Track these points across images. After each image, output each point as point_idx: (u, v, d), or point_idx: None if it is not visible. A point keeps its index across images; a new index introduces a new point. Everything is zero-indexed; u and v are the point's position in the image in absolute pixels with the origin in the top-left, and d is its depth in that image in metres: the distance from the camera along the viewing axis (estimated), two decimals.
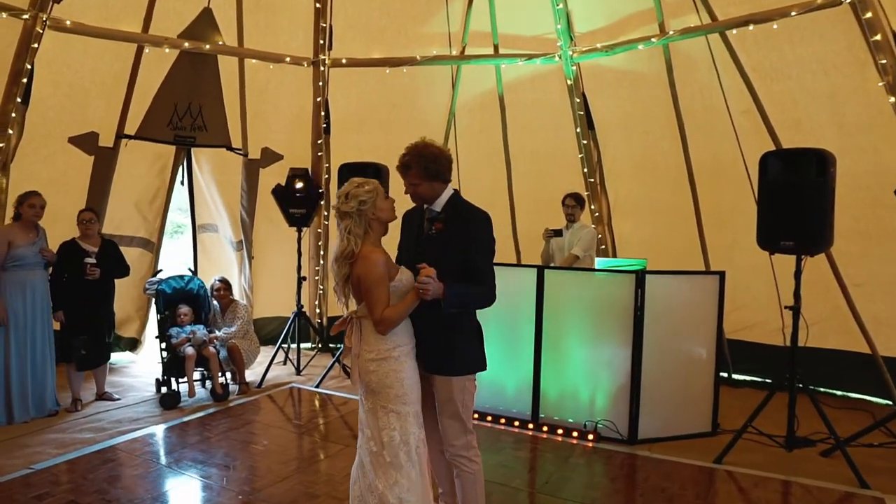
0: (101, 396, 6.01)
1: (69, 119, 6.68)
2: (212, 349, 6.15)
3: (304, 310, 7.43)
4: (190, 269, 7.29)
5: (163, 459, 4.58)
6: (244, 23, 7.24)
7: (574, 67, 7.30)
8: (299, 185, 7.46)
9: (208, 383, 6.28)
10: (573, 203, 6.28)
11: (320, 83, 7.63)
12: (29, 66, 6.07)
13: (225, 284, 6.91)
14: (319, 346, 8.26)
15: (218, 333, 6.43)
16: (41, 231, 5.50)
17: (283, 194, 7.42)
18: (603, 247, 7.50)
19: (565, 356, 5.30)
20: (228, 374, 6.47)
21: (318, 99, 7.69)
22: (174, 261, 9.59)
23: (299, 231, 7.43)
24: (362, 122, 7.93)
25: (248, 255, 8.08)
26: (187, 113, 7.19)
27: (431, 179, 2.93)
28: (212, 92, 7.29)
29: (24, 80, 6.10)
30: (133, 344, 7.72)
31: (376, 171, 6.16)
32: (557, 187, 6.74)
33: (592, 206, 7.48)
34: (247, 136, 7.69)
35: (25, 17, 5.93)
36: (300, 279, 7.42)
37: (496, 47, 7.73)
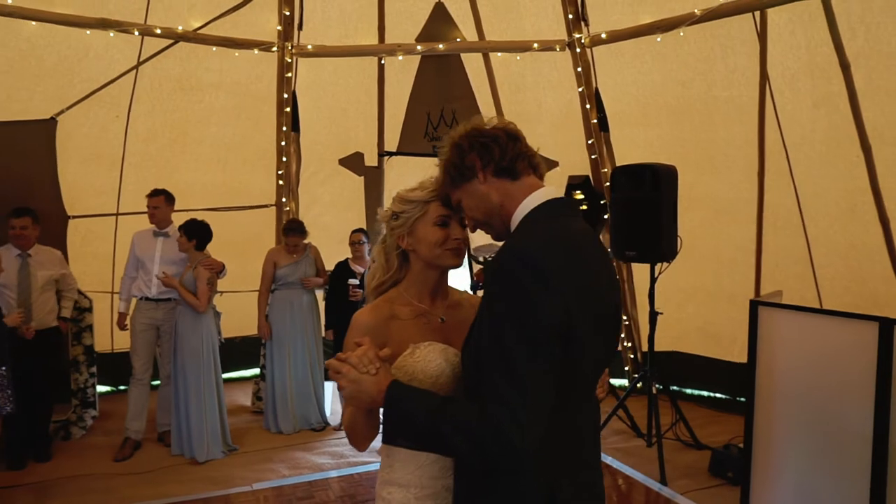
0: None
1: (336, 141, 6.75)
2: None
3: None
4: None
5: None
6: (480, 11, 6.04)
7: None
8: (579, 195, 6.00)
9: None
10: None
11: (578, 69, 5.88)
12: (286, 96, 6.32)
13: None
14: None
15: None
16: (308, 250, 5.58)
17: None
18: None
19: None
20: None
21: (581, 89, 5.95)
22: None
23: None
24: (644, 110, 5.85)
25: None
26: (441, 121, 6.48)
27: (463, 180, 1.59)
28: (462, 95, 6.39)
29: (288, 110, 6.38)
30: None
31: (653, 176, 4.59)
32: None
33: None
34: None
35: (274, 49, 6.14)
36: None
37: None
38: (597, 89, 5.93)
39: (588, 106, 5.96)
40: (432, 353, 1.63)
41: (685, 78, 5.50)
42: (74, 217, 6.04)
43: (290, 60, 6.14)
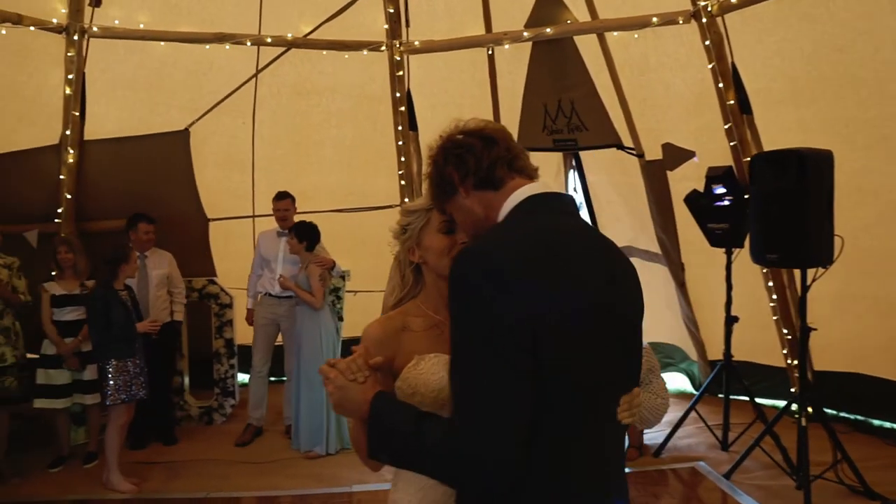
0: None
1: None
2: None
3: (733, 360, 5.17)
4: None
5: None
6: None
7: None
8: (720, 189, 5.19)
9: None
10: None
11: (707, 42, 4.98)
12: (399, 94, 6.23)
13: None
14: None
15: None
16: None
17: (698, 203, 5.32)
18: None
19: None
20: None
21: (712, 65, 5.05)
22: None
23: (728, 253, 5.16)
24: (794, 85, 4.81)
25: (677, 281, 6.19)
26: (559, 112, 5.93)
27: (447, 196, 1.49)
28: (580, 82, 5.77)
29: (403, 109, 6.30)
30: None
31: (799, 163, 3.92)
32: None
33: None
34: (635, 129, 5.78)
35: (383, 48, 6.08)
36: (730, 319, 5.17)
37: None
38: (733, 64, 5.01)
39: (722, 85, 5.05)
40: (436, 365, 1.54)
41: (843, 42, 4.42)
42: (214, 220, 6.50)
43: (399, 58, 6.02)
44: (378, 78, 6.17)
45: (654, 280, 6.42)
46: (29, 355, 5.10)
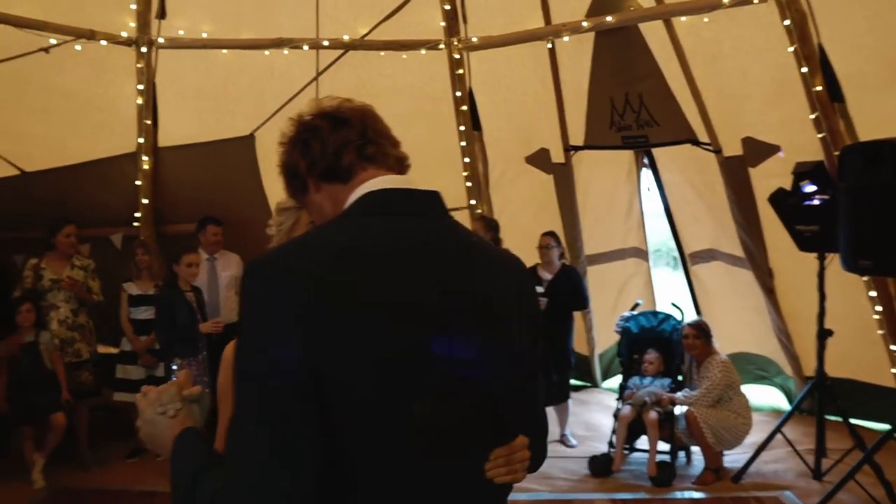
0: (560, 439, 5.38)
1: (518, 137, 6.26)
2: (652, 415, 4.77)
3: (831, 378, 4.61)
4: (674, 305, 5.73)
5: None
6: None
7: None
8: (809, 187, 4.68)
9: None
10: None
11: (786, 21, 4.42)
12: (459, 94, 6.05)
13: (696, 330, 5.09)
14: None
15: (678, 395, 4.90)
16: None
17: (785, 203, 4.82)
18: None
19: None
20: (683, 452, 4.96)
21: (794, 48, 4.48)
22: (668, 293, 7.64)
23: (821, 258, 4.64)
24: (893, 69, 4.18)
25: (764, 289, 5.62)
26: (627, 107, 5.53)
27: (301, 192, 1.25)
28: (648, 73, 5.35)
29: (465, 108, 6.12)
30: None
31: (894, 154, 3.58)
32: None
33: None
34: (711, 123, 5.28)
35: (441, 46, 5.92)
36: (823, 333, 4.63)
37: None
38: (819, 46, 4.43)
39: (807, 69, 4.47)
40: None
41: None
42: None
43: (458, 56, 5.84)
44: (438, 77, 6.01)
45: (741, 286, 5.90)
46: (105, 349, 5.43)
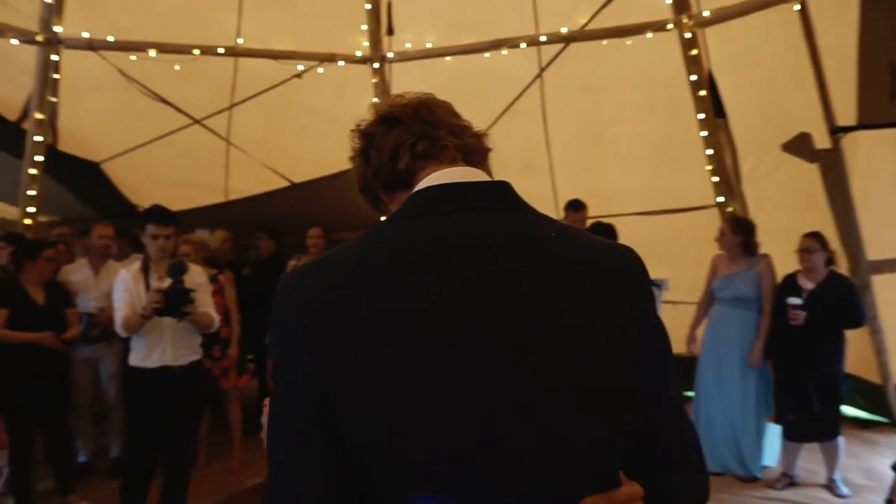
0: (827, 484, 4.44)
1: (769, 122, 5.30)
2: None
3: None
4: None
5: None
6: None
7: None
8: None
9: None
10: None
11: None
12: (695, 78, 5.34)
13: None
14: None
15: None
16: (754, 260, 4.56)
17: None
18: None
19: None
20: None
21: None
22: None
23: None
24: None
25: None
26: None
27: (376, 202, 1.17)
28: None
29: (703, 93, 5.41)
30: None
31: None
32: None
33: None
34: None
35: (669, 26, 5.28)
36: None
37: None
38: None
39: None
40: None
41: None
42: None
43: (690, 35, 5.16)
44: (671, 61, 5.40)
45: None
46: None
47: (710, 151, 5.52)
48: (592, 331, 0.92)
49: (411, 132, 1.03)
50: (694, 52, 5.20)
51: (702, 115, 5.41)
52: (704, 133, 5.46)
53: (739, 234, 4.55)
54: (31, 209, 5.34)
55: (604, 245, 1.02)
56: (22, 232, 5.28)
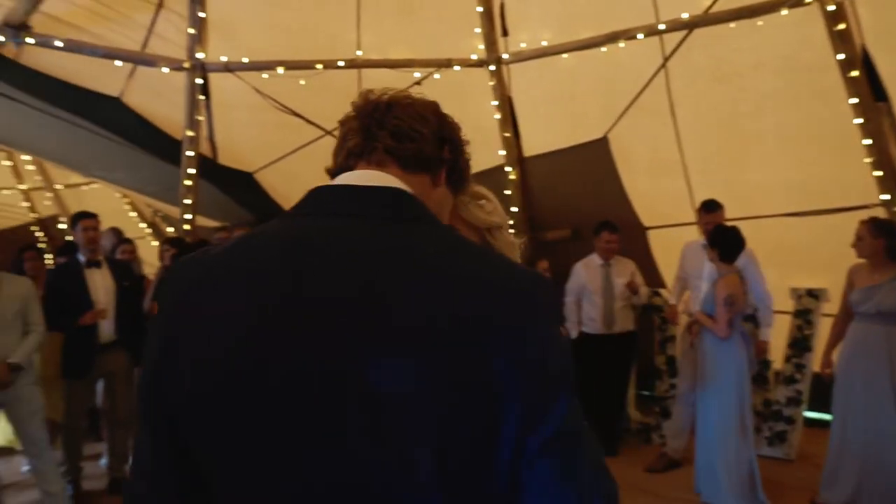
0: None
1: None
2: None
3: None
4: None
5: None
6: None
7: None
8: None
9: None
10: None
11: None
12: (844, 56, 4.56)
13: None
14: None
15: None
16: None
17: None
18: None
19: None
20: None
21: None
22: None
23: None
24: None
25: None
26: None
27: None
28: None
29: (855, 74, 4.60)
30: None
31: None
32: None
33: None
34: None
35: (809, 0, 4.54)
36: None
37: None
38: None
39: None
40: None
41: None
42: (651, 228, 6.17)
43: (833, 7, 4.42)
44: (815, 40, 4.68)
45: None
46: None
47: (868, 141, 4.68)
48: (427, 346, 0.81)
49: (355, 129, 1.02)
50: (841, 26, 4.45)
51: (854, 100, 4.59)
52: (859, 120, 4.64)
53: (882, 237, 3.82)
54: (188, 216, 6.08)
55: (503, 273, 0.88)
56: (182, 236, 6.07)
